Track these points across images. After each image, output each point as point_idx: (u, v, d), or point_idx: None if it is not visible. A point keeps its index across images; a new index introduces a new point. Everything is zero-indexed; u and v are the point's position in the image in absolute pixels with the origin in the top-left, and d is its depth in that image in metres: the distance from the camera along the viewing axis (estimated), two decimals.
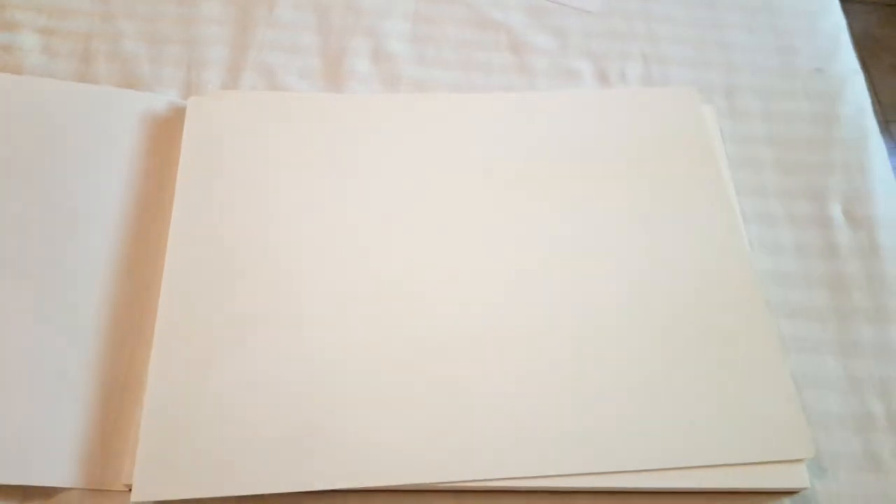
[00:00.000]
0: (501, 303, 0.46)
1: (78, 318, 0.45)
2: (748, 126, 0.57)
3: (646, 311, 0.46)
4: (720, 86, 0.59)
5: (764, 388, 0.44)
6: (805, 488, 0.42)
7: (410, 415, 0.42)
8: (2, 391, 0.42)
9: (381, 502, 0.41)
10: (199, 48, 0.58)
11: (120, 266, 0.47)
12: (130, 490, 0.40)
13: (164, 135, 0.52)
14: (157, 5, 0.60)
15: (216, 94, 0.55)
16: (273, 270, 0.47)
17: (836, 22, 0.64)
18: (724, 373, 0.44)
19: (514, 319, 0.46)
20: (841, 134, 0.57)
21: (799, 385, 0.46)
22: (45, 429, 0.41)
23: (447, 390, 0.43)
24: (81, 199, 0.48)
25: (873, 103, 0.60)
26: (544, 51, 0.60)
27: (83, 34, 0.58)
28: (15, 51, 0.56)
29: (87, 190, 0.49)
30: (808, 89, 0.59)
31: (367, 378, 0.43)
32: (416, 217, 0.49)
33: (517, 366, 0.44)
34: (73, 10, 0.59)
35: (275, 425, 0.41)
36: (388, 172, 0.51)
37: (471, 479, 0.41)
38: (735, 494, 0.42)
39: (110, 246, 0.47)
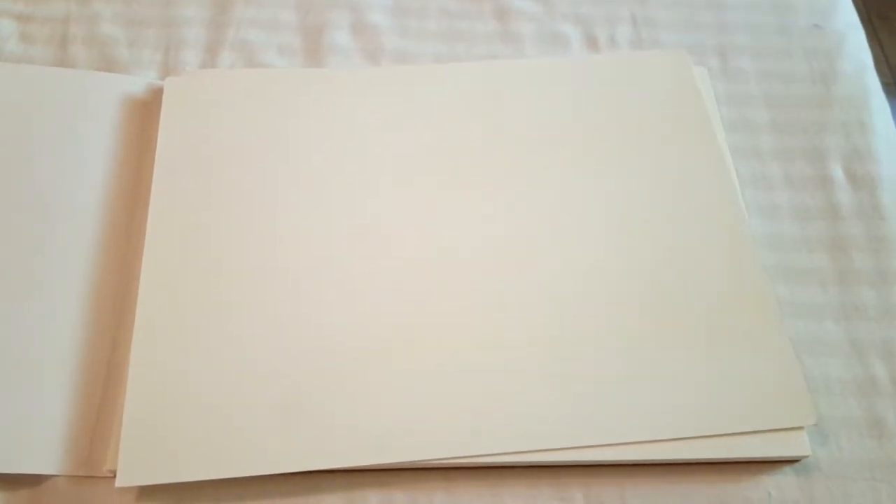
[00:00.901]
0: (490, 277, 0.45)
1: (60, 304, 0.44)
2: (743, 87, 0.55)
3: (641, 279, 0.45)
4: (713, 46, 0.57)
5: (763, 356, 0.43)
6: (806, 456, 0.41)
7: (395, 393, 0.41)
8: None
9: (368, 481, 0.41)
10: (177, 29, 0.57)
11: (101, 251, 0.46)
12: (115, 476, 0.40)
13: (144, 117, 0.52)
14: None
15: (194, 74, 0.54)
16: (254, 251, 0.46)
17: None
18: (722, 341, 0.43)
19: (504, 294, 0.45)
20: (841, 92, 0.55)
21: (800, 350, 0.44)
22: (30, 417, 0.41)
23: (433, 367, 0.42)
24: (61, 184, 0.48)
25: (883, 65, 0.58)
26: (530, 16, 0.58)
27: (60, 19, 0.57)
28: None
29: (67, 174, 0.48)
30: (805, 47, 0.57)
31: (349, 358, 0.42)
32: (401, 192, 0.48)
33: (507, 340, 0.43)
34: None
35: (258, 408, 0.41)
36: (373, 147, 0.50)
37: (459, 455, 0.40)
38: (736, 464, 0.41)
39: (91, 231, 0.47)
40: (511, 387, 0.41)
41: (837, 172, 0.51)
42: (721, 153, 0.50)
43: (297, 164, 0.49)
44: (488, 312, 0.44)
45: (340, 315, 0.44)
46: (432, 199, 0.48)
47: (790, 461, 0.41)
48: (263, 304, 0.44)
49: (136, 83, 0.53)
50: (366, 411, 0.41)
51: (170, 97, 0.51)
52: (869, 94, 0.55)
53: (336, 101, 0.51)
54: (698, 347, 0.43)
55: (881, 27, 1.38)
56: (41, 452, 0.40)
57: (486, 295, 0.45)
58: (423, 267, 0.45)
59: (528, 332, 0.43)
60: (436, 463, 0.40)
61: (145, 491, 0.40)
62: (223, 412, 0.41)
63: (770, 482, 0.41)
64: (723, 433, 0.41)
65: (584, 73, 0.54)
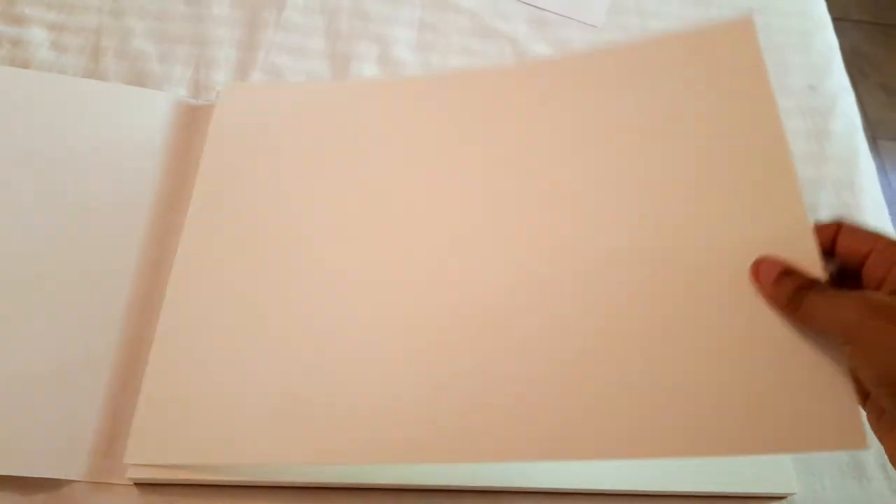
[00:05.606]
0: (523, 279, 0.42)
1: (88, 313, 0.45)
2: None
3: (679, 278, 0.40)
4: None
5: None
6: (793, 494, 0.43)
7: (419, 398, 0.40)
8: (9, 385, 0.42)
9: (379, 495, 0.42)
10: (208, 48, 0.58)
11: (131, 262, 0.47)
12: (134, 485, 0.40)
13: (173, 133, 0.53)
14: (167, 4, 0.60)
15: (247, 85, 0.55)
16: (284, 257, 0.45)
17: (829, 41, 0.66)
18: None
19: (533, 297, 0.41)
20: (833, 151, 0.58)
21: None
22: (52, 422, 0.41)
23: (449, 373, 0.40)
24: (90, 196, 0.49)
25: (861, 120, 0.62)
26: None
27: (93, 30, 0.58)
28: (24, 45, 0.56)
29: (96, 186, 0.49)
30: (801, 106, 0.61)
31: (376, 359, 0.41)
32: (447, 204, 0.46)
33: (526, 348, 0.40)
34: (83, 7, 0.59)
35: (273, 399, 0.41)
36: (422, 159, 0.48)
37: (475, 462, 0.40)
38: (722, 499, 0.43)
39: (119, 244, 0.47)
40: (524, 398, 0.38)
41: None
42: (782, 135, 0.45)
43: (338, 178, 0.48)
44: (509, 321, 0.41)
45: (365, 318, 0.43)
46: (475, 211, 0.45)
47: (777, 497, 0.43)
48: (290, 309, 0.43)
49: (167, 99, 0.54)
50: (389, 414, 0.40)
51: (224, 104, 0.51)
52: (857, 154, 0.59)
53: (386, 113, 0.50)
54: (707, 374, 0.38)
55: (860, 84, 1.44)
56: (61, 457, 0.41)
57: (511, 303, 0.41)
58: (456, 273, 0.43)
59: (549, 344, 0.40)
60: (444, 485, 0.41)
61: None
62: (239, 400, 0.41)
63: None
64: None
65: (640, 58, 0.47)
